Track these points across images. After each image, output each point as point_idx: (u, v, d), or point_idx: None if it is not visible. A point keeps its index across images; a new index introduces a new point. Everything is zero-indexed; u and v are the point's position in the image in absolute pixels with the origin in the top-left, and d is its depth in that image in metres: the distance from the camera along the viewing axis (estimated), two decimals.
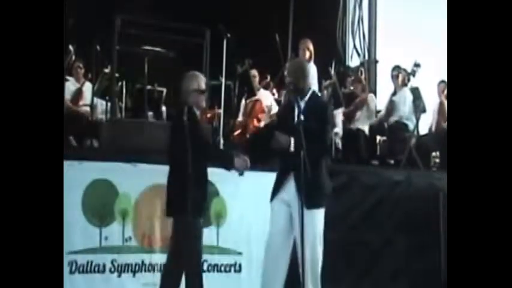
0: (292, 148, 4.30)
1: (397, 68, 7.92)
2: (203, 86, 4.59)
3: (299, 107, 4.32)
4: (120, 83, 7.29)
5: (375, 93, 9.32)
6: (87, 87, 7.73)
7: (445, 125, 7.68)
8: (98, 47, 7.18)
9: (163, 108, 8.31)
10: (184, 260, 4.36)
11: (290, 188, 4.42)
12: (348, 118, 8.01)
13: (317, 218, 4.40)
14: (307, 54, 7.39)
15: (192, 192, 4.30)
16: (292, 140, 4.31)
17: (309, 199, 4.23)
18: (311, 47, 7.41)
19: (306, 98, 4.53)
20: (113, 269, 5.17)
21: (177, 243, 4.43)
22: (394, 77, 7.87)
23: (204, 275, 4.53)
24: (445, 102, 7.82)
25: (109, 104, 6.80)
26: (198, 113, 4.62)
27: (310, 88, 4.68)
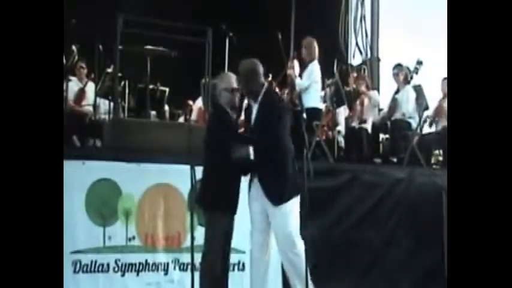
0: (251, 157, 4.41)
1: (398, 66, 7.89)
2: (235, 85, 4.61)
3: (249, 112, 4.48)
4: (122, 83, 7.30)
5: (377, 91, 9.31)
6: (90, 87, 7.75)
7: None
8: (101, 47, 7.21)
9: (166, 108, 8.35)
10: (215, 257, 4.40)
11: (258, 187, 4.50)
12: (359, 119, 7.96)
13: (286, 212, 4.42)
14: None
15: (229, 189, 4.44)
16: (251, 149, 4.41)
17: (272, 196, 4.39)
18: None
19: (260, 97, 4.52)
20: (116, 269, 5.19)
21: (212, 241, 4.44)
22: (395, 76, 7.86)
23: None
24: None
25: (112, 103, 6.82)
26: (230, 111, 4.64)
27: (263, 85, 4.59)
